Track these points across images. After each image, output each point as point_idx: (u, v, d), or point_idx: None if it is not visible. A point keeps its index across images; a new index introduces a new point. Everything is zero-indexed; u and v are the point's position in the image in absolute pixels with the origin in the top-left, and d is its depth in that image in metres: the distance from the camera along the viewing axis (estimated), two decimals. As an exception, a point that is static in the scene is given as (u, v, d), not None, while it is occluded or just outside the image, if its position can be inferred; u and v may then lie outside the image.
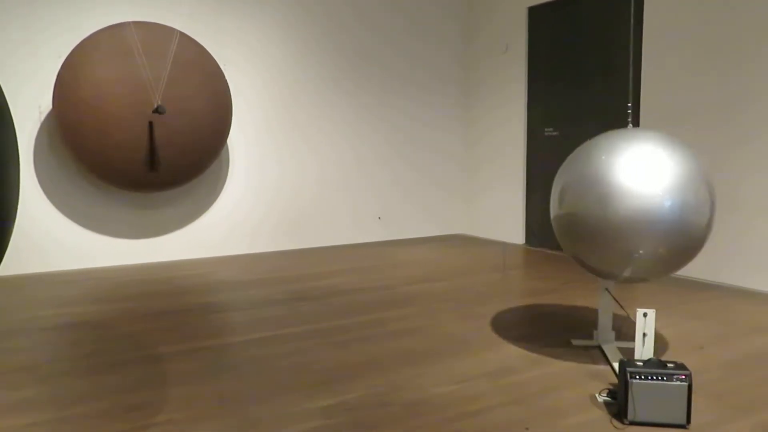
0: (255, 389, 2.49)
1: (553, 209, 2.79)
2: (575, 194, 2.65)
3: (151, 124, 4.50)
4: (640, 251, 2.46)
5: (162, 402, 2.36)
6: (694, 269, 4.53)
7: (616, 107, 5.13)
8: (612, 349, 2.87)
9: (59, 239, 4.92)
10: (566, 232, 2.71)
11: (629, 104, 3.01)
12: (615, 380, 2.52)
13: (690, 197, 2.47)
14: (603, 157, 2.58)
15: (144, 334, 3.23)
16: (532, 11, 5.95)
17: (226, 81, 5.13)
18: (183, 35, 4.87)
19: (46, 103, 4.79)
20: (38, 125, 4.82)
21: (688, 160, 2.53)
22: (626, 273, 2.58)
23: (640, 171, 2.48)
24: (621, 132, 2.70)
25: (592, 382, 2.54)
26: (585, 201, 2.58)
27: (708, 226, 2.55)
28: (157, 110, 4.52)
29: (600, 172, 2.54)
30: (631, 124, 2.86)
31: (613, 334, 2.99)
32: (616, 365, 2.61)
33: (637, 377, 2.13)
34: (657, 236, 2.45)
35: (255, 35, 5.62)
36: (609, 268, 2.61)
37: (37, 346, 3.11)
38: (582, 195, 2.60)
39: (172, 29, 4.85)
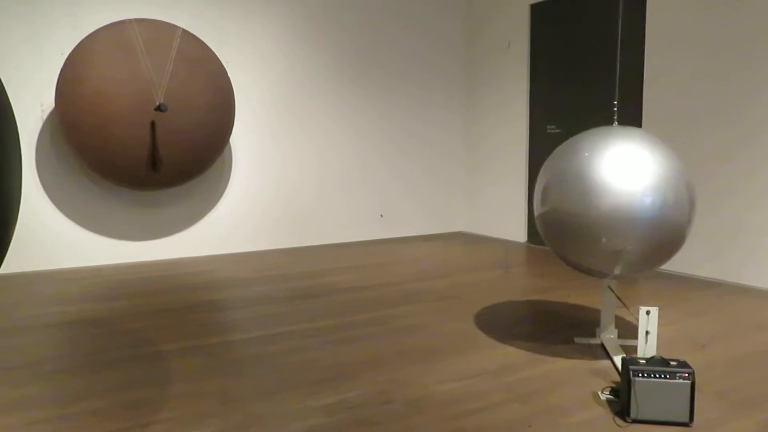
0: (256, 387, 2.49)
1: (537, 207, 2.81)
2: (558, 191, 2.66)
3: (153, 123, 4.49)
4: (628, 247, 2.48)
5: (164, 399, 2.36)
6: (696, 267, 4.52)
7: (619, 104, 5.11)
8: (614, 347, 2.86)
9: (61, 237, 4.93)
10: (550, 229, 2.73)
11: (615, 101, 3.03)
12: (618, 378, 2.51)
13: (669, 195, 2.49)
14: (586, 154, 2.58)
15: (146, 332, 3.23)
16: (534, 9, 5.93)
17: (228, 79, 5.12)
18: (186, 33, 4.86)
19: (48, 101, 4.79)
20: (41, 123, 4.82)
21: (669, 159, 2.55)
22: (616, 270, 2.60)
23: (622, 168, 2.49)
24: (605, 129, 2.71)
25: (594, 379, 2.53)
26: (567, 198, 2.60)
27: (688, 223, 2.57)
28: (159, 108, 4.51)
29: (582, 168, 2.55)
30: (616, 122, 2.86)
31: (615, 332, 2.98)
32: (618, 363, 2.60)
33: (640, 375, 2.13)
34: (638, 233, 2.47)
35: (258, 33, 5.62)
36: (593, 265, 2.63)
37: (38, 343, 3.11)
38: (565, 192, 2.62)
39: (174, 27, 4.84)
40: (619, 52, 3.25)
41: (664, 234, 2.51)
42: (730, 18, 4.26)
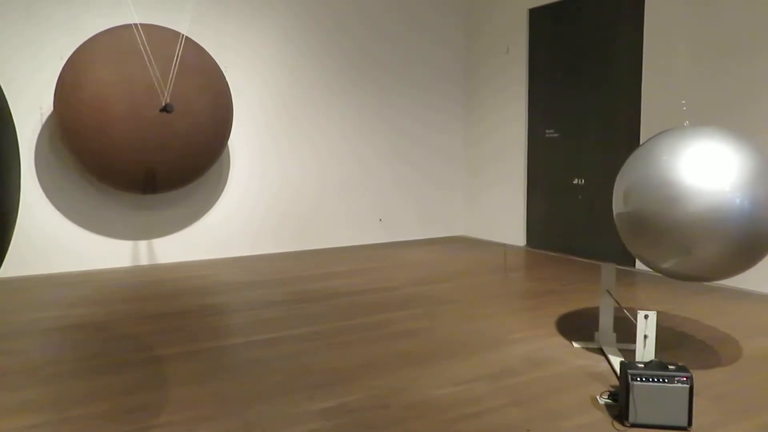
0: (255, 391, 2.49)
1: (617, 207, 2.72)
2: (641, 195, 2.58)
3: (152, 174, 4.59)
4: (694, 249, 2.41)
5: (162, 403, 2.36)
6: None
7: (617, 108, 5.13)
8: (613, 351, 2.86)
9: (60, 241, 4.93)
10: (631, 231, 2.65)
11: (683, 101, 2.95)
12: (616, 382, 2.51)
13: (761, 193, 2.38)
14: (664, 158, 2.52)
15: (145, 336, 3.23)
16: (533, 13, 5.95)
17: (227, 83, 5.13)
18: (185, 37, 4.87)
19: (47, 105, 4.79)
20: (39, 126, 4.82)
21: (754, 154, 2.44)
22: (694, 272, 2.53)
23: (706, 169, 2.40)
24: (679, 131, 2.63)
25: (593, 384, 2.53)
26: (650, 201, 2.51)
27: None
28: (165, 108, 4.51)
29: (663, 172, 2.48)
30: (687, 122, 2.78)
31: (614, 336, 2.99)
32: (617, 367, 2.60)
33: (639, 379, 2.13)
34: (726, 234, 2.38)
35: (256, 37, 5.63)
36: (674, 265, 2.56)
37: (37, 347, 3.11)
38: (648, 195, 2.54)
39: (174, 31, 4.85)
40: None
41: (753, 236, 2.41)
42: (728, 21, 4.27)
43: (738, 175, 2.40)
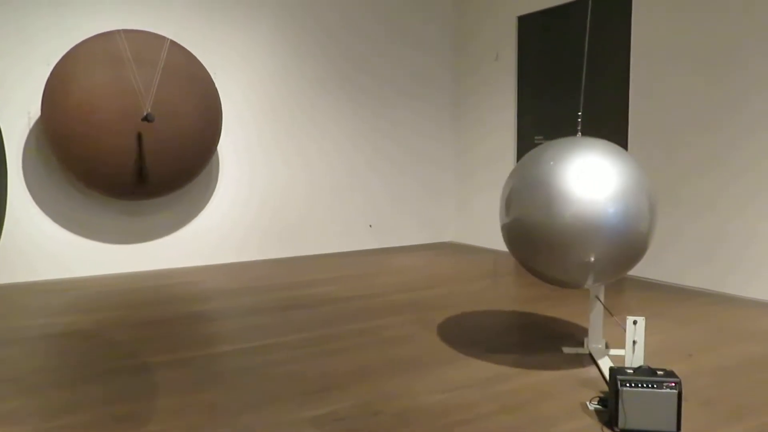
0: (245, 399, 2.47)
1: (501, 217, 2.84)
2: (522, 200, 2.69)
3: (139, 135, 4.46)
4: (591, 258, 2.50)
5: (151, 412, 2.33)
6: (682, 276, 4.56)
7: (606, 115, 5.18)
8: (602, 357, 2.88)
9: (47, 247, 4.87)
10: (515, 239, 2.75)
11: (579, 113, 3.10)
12: (606, 388, 2.52)
13: (632, 204, 2.53)
14: (552, 163, 2.61)
15: (132, 344, 3.20)
16: (522, 20, 6.00)
17: (215, 88, 5.12)
18: (173, 43, 4.86)
19: (35, 110, 4.75)
20: (27, 132, 4.78)
21: (632, 169, 2.59)
22: (587, 282, 2.62)
23: (586, 178, 2.52)
24: (569, 140, 2.75)
25: (583, 389, 2.54)
26: (531, 207, 2.63)
27: (649, 232, 2.61)
28: (146, 118, 4.49)
29: (547, 177, 2.59)
30: (580, 133, 2.91)
31: (603, 342, 3.00)
32: (606, 373, 2.61)
33: (628, 385, 2.14)
34: (601, 242, 2.50)
35: (245, 43, 5.62)
36: (560, 275, 2.66)
37: (22, 356, 3.07)
38: (528, 200, 2.65)
39: (162, 37, 4.83)
40: (585, 64, 3.34)
41: (627, 242, 2.54)
42: (714, 28, 4.33)
43: (615, 186, 2.52)
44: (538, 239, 2.60)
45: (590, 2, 3.72)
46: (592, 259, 2.52)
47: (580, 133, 2.91)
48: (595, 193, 2.50)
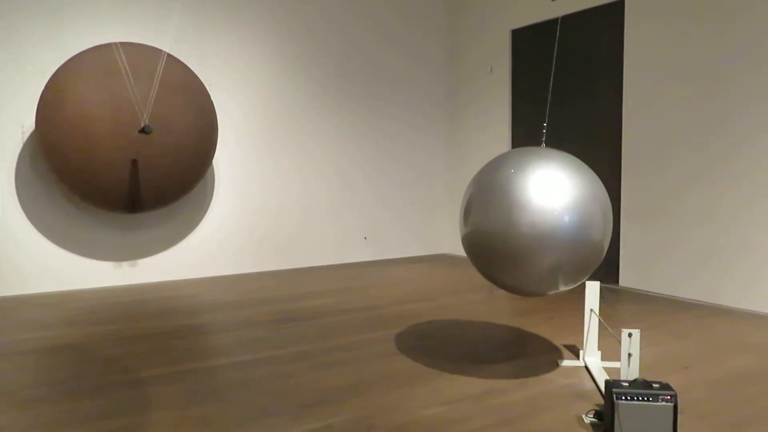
0: (240, 412, 2.45)
1: (461, 228, 2.85)
2: (481, 208, 2.73)
3: (134, 162, 4.49)
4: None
5: (145, 427, 2.31)
6: (677, 288, 4.57)
7: (599, 127, 5.22)
8: (598, 370, 2.87)
9: (40, 260, 4.85)
10: (474, 250, 2.76)
11: (545, 124, 3.14)
12: (601, 401, 2.51)
13: (586, 214, 2.55)
14: (512, 171, 2.66)
15: (126, 358, 3.17)
16: (516, 34, 6.05)
17: (211, 101, 5.13)
18: (169, 56, 4.87)
19: (29, 123, 4.75)
20: (21, 144, 4.77)
21: (588, 181, 2.62)
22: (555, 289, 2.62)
23: (543, 187, 2.55)
24: (532, 150, 2.78)
25: (578, 402, 2.54)
26: (489, 215, 2.67)
27: (603, 241, 2.63)
28: (144, 130, 4.49)
29: (506, 186, 2.63)
30: (544, 144, 2.92)
31: (599, 354, 3.00)
32: (602, 385, 2.61)
33: (623, 398, 2.13)
34: (557, 250, 2.51)
35: (241, 56, 5.65)
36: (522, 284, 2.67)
37: (15, 370, 3.04)
38: (487, 208, 2.69)
39: (158, 50, 4.85)
40: (553, 74, 3.41)
41: (582, 250, 2.56)
42: (707, 39, 4.38)
43: (569, 196, 2.55)
44: (497, 248, 2.62)
45: (558, 24, 3.79)
46: (551, 266, 2.53)
47: (544, 144, 2.94)
48: (550, 202, 2.52)
